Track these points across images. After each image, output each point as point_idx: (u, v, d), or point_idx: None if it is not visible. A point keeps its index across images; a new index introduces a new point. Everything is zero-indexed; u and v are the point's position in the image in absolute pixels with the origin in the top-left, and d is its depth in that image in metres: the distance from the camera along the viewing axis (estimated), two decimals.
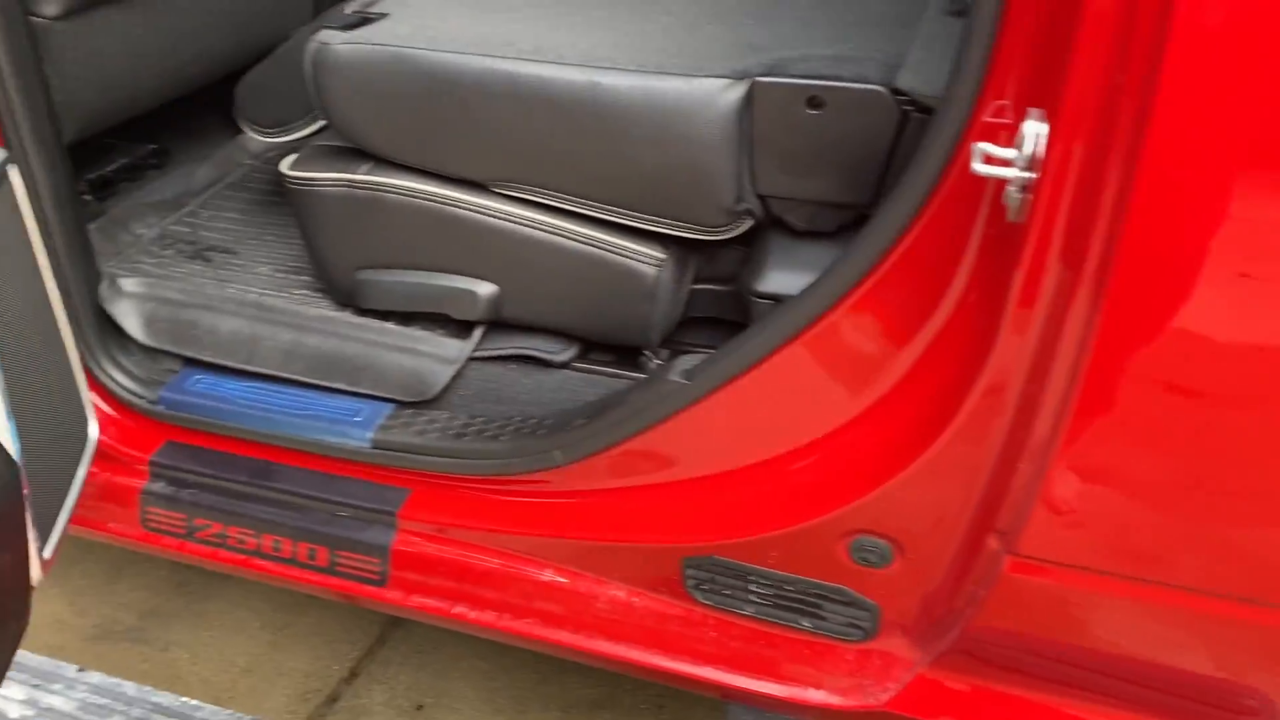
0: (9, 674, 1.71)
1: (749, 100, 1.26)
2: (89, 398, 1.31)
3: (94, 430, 1.32)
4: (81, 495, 1.58)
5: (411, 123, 1.39)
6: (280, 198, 1.95)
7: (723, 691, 1.35)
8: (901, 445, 1.12)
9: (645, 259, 1.40)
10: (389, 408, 1.50)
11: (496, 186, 1.42)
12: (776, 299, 1.32)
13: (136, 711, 1.63)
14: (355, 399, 1.51)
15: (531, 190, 1.40)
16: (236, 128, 2.16)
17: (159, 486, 1.54)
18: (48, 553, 1.14)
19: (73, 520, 1.61)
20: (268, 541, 1.49)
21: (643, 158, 1.29)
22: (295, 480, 1.49)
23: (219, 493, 1.51)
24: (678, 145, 1.27)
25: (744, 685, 1.31)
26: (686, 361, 1.25)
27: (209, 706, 1.64)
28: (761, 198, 1.33)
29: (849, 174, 1.28)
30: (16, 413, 1.11)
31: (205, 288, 1.61)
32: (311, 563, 1.47)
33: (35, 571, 1.11)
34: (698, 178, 1.29)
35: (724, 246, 1.48)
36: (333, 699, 2.08)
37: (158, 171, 2.01)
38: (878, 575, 1.18)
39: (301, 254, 1.75)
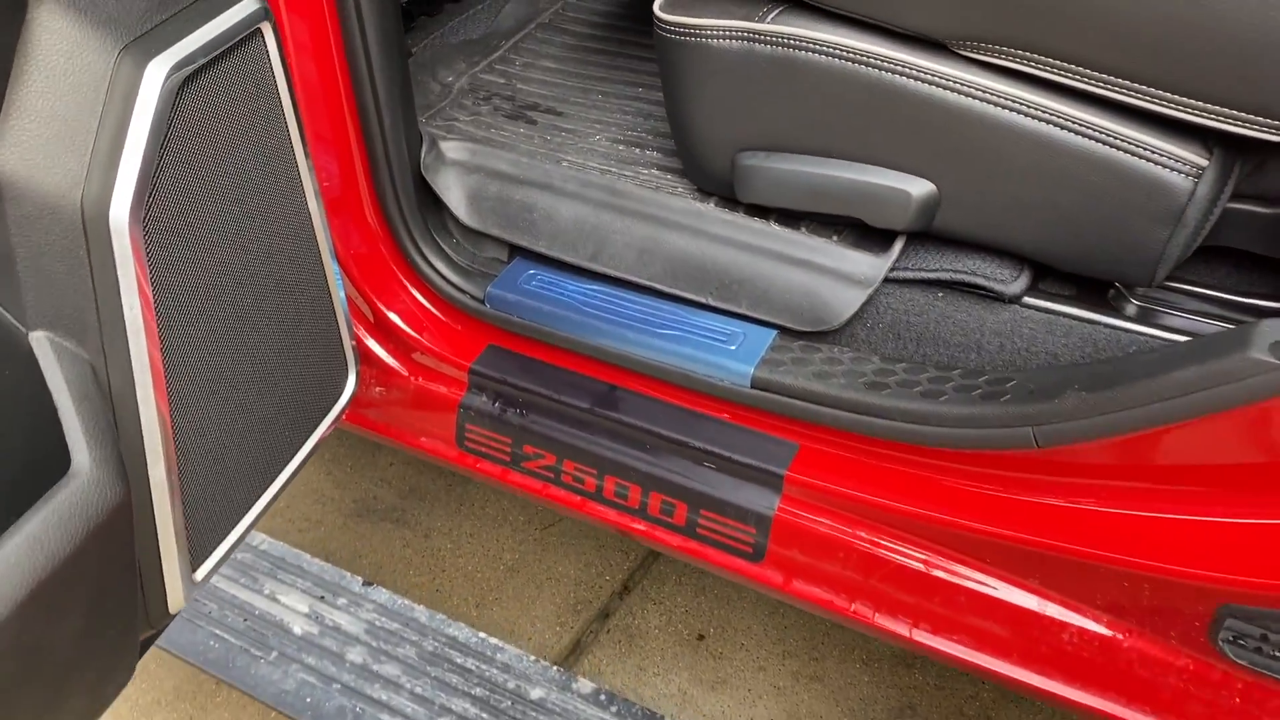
0: (291, 578, 1.54)
1: None
2: (351, 341, 1.04)
3: (351, 383, 1.06)
4: (387, 411, 1.31)
5: None
6: (604, 45, 1.60)
7: None
8: None
9: (1180, 165, 0.98)
10: (772, 335, 1.16)
11: (964, 48, 1.01)
12: None
13: (430, 644, 1.42)
14: (729, 319, 1.18)
15: (1020, 56, 0.99)
16: None
17: (480, 401, 1.27)
18: (202, 572, 0.90)
19: (376, 429, 1.38)
20: (610, 484, 1.20)
21: (1227, 14, 0.86)
22: (648, 414, 1.18)
23: (552, 416, 1.23)
24: None
25: None
26: (1274, 330, 0.84)
27: (510, 648, 1.42)
28: None
29: None
30: (190, 382, 0.83)
31: (539, 160, 1.29)
32: (665, 518, 1.18)
33: (175, 598, 0.88)
34: None
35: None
36: (605, 614, 1.86)
37: (455, 5, 1.69)
38: None
39: (641, 121, 1.40)
